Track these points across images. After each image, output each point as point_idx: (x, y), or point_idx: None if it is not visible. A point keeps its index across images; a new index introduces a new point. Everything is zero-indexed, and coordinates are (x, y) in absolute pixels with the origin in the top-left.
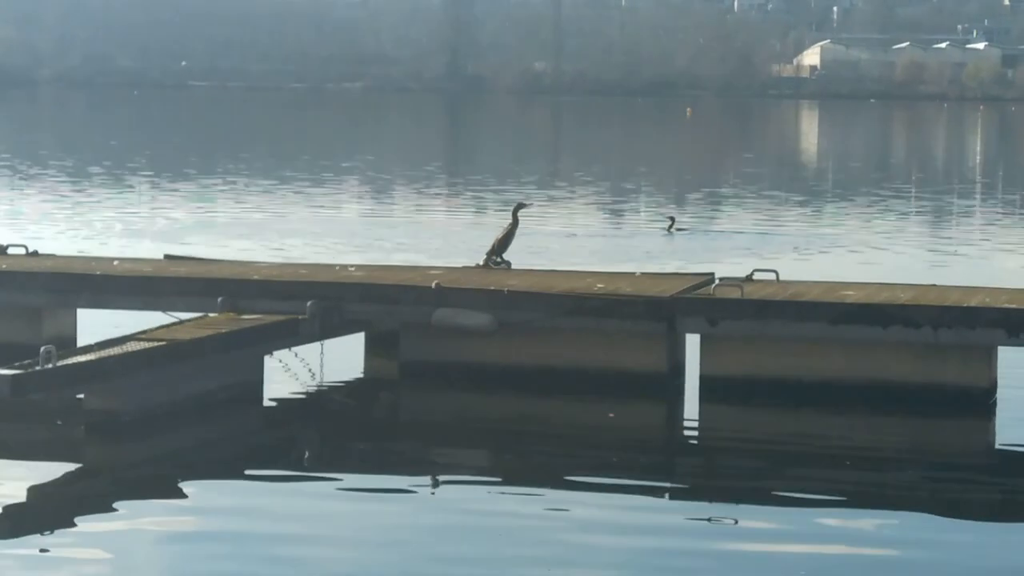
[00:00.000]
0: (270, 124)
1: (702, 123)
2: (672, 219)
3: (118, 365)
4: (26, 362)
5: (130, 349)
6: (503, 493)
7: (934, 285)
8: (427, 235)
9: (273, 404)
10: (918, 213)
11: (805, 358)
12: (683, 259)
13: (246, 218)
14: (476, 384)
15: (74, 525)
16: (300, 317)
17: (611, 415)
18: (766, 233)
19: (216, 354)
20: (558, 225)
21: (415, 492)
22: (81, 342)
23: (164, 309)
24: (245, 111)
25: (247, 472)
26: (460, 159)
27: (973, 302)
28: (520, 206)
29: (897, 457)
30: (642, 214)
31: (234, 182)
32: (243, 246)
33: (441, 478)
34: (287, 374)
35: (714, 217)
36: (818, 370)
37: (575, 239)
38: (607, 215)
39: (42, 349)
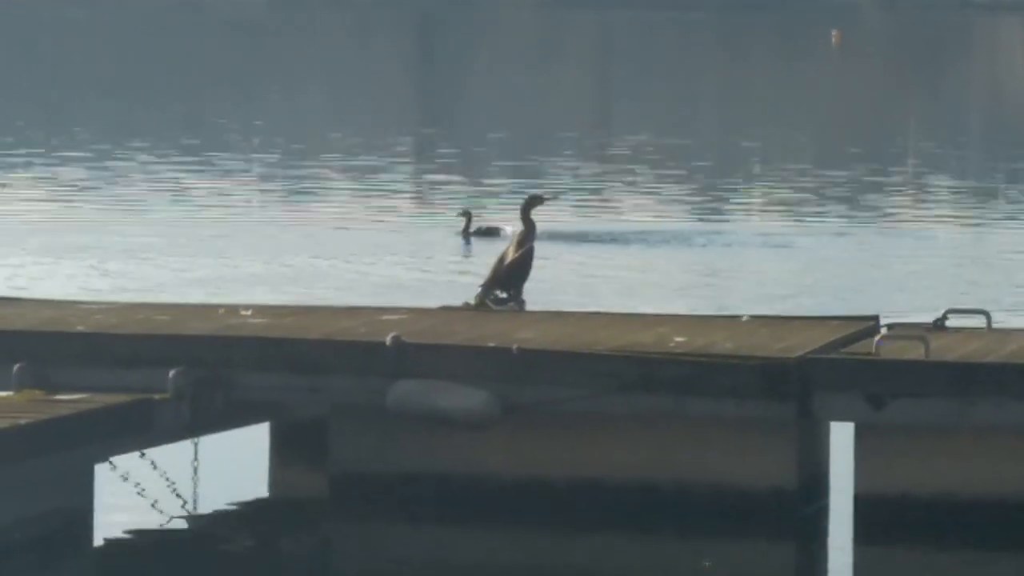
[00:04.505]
0: (103, 59)
1: (857, 55)
2: (467, 214)
3: None
4: None
5: None
6: None
7: None
8: (379, 253)
9: (110, 546)
10: None
11: None
12: (823, 292)
13: (59, 223)
14: (462, 512)
15: None
16: (157, 397)
17: (706, 565)
18: (968, 246)
19: (11, 463)
20: (606, 233)
21: None
22: None
23: None
24: (61, 38)
25: None
26: (436, 119)
27: None
28: (534, 202)
29: None
30: (752, 214)
31: (40, 158)
32: (56, 274)
33: None
34: (134, 495)
35: (875, 214)
36: None
37: (632, 255)
38: (688, 214)
39: None
